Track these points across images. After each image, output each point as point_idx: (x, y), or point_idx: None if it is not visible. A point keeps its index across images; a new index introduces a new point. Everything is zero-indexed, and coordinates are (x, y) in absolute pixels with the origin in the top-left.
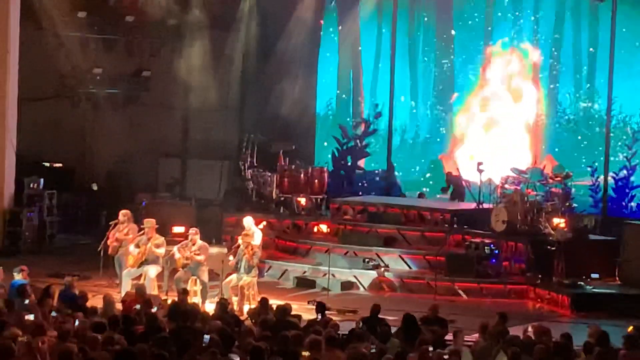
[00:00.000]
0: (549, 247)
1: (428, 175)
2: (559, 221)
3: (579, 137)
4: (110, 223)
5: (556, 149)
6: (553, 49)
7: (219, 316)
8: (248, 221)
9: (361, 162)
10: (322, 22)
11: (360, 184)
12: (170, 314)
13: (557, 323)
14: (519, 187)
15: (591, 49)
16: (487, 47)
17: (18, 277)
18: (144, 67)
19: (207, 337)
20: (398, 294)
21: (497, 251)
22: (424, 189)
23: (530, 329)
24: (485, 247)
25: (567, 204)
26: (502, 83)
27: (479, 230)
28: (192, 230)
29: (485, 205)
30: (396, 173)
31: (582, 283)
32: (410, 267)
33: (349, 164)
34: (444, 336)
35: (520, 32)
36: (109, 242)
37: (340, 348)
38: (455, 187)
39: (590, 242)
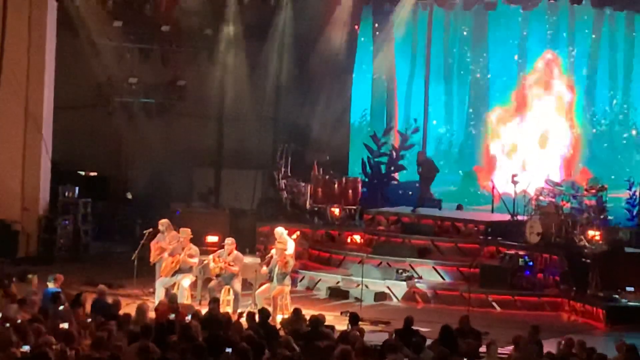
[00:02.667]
0: (583, 259)
1: (458, 187)
2: (594, 234)
3: (615, 150)
4: (144, 232)
5: (591, 162)
6: (588, 61)
7: (252, 326)
8: (279, 231)
9: (395, 174)
10: (357, 31)
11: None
12: (202, 323)
13: (591, 336)
14: (553, 199)
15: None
16: (522, 58)
17: (51, 285)
18: (179, 76)
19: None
20: (431, 305)
21: (531, 263)
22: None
23: (564, 341)
24: (520, 259)
25: (602, 216)
26: (536, 95)
27: (513, 242)
28: (229, 241)
29: (520, 217)
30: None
31: (617, 296)
32: (443, 279)
33: (383, 173)
34: (478, 348)
35: (556, 45)
36: (153, 251)
37: (374, 359)
38: (425, 168)
39: (625, 255)
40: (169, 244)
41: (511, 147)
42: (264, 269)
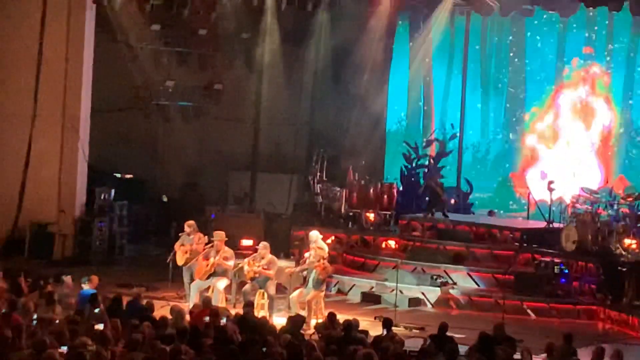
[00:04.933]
0: (620, 268)
1: (493, 196)
2: (631, 242)
3: None
4: (180, 235)
5: (628, 170)
6: (627, 68)
7: (288, 330)
8: (314, 235)
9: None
10: (394, 36)
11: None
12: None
13: (627, 345)
14: (590, 207)
15: None
16: (559, 66)
17: (86, 286)
18: (215, 80)
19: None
20: (466, 311)
21: (567, 271)
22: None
23: (599, 350)
24: (555, 267)
25: (639, 225)
26: (574, 102)
27: (549, 249)
28: (262, 245)
29: (556, 225)
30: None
31: None
32: (478, 285)
33: (421, 184)
34: (512, 355)
35: (594, 51)
36: (181, 254)
37: None
38: (431, 193)
39: None
40: (197, 244)
41: (547, 154)
42: (295, 269)
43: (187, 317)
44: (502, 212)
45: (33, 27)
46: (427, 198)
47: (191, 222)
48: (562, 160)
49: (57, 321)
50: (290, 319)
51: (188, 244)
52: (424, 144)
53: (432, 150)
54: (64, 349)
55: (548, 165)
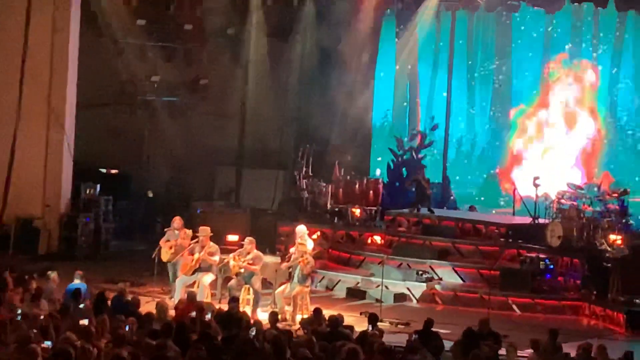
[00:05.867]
0: (605, 263)
1: (480, 189)
2: (616, 238)
3: (637, 154)
4: (165, 230)
5: (614, 166)
6: (612, 64)
7: (272, 326)
8: (301, 229)
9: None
10: (380, 32)
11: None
12: (220, 321)
13: (611, 341)
14: (575, 203)
15: None
16: (545, 61)
17: (77, 281)
18: (201, 75)
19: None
20: (451, 307)
21: (552, 266)
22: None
23: (584, 345)
24: (541, 262)
25: (624, 220)
26: (560, 98)
27: (534, 245)
28: (247, 240)
29: (541, 220)
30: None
31: (637, 301)
32: (463, 281)
33: (404, 176)
34: (497, 351)
35: (580, 47)
36: (167, 249)
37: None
38: (418, 187)
39: None
40: (183, 240)
41: (533, 150)
42: (282, 265)
43: (172, 313)
44: (491, 209)
45: (18, 22)
46: (414, 189)
47: (178, 217)
48: (548, 156)
49: (42, 316)
50: (270, 315)
51: (173, 239)
52: (409, 136)
53: (419, 140)
54: (48, 344)
55: (533, 160)
